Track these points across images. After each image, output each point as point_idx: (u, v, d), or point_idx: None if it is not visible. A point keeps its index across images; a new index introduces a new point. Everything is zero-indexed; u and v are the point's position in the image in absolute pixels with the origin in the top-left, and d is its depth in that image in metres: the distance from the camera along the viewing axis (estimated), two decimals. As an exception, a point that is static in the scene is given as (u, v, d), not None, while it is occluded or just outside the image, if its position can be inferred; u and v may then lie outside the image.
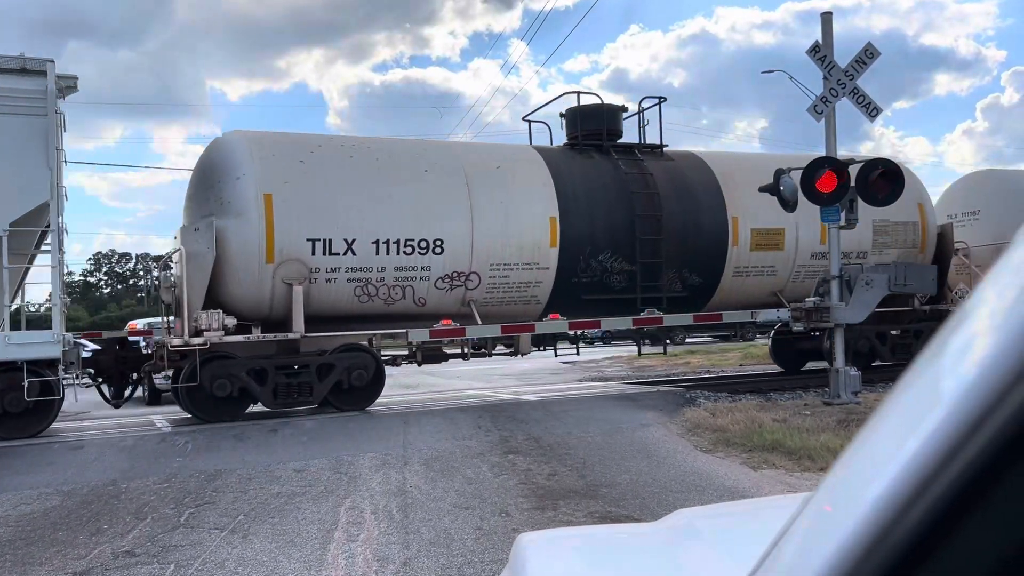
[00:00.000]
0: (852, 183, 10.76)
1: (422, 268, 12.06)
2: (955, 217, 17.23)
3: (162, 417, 13.30)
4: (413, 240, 11.97)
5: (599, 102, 14.58)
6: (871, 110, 11.41)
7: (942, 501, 0.58)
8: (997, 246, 15.74)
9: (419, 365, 13.32)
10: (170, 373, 11.84)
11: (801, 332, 15.59)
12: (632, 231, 13.34)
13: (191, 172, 12.70)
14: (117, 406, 12.47)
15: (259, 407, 11.68)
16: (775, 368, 19.66)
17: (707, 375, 18.22)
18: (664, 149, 14.58)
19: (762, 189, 11.81)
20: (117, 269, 74.40)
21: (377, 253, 11.77)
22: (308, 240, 11.43)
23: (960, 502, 0.57)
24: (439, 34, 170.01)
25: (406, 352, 13.52)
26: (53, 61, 10.88)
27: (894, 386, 0.76)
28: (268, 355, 11.62)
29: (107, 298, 69.08)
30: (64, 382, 10.67)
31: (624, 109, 14.80)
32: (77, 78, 11.40)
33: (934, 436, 0.60)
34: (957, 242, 16.25)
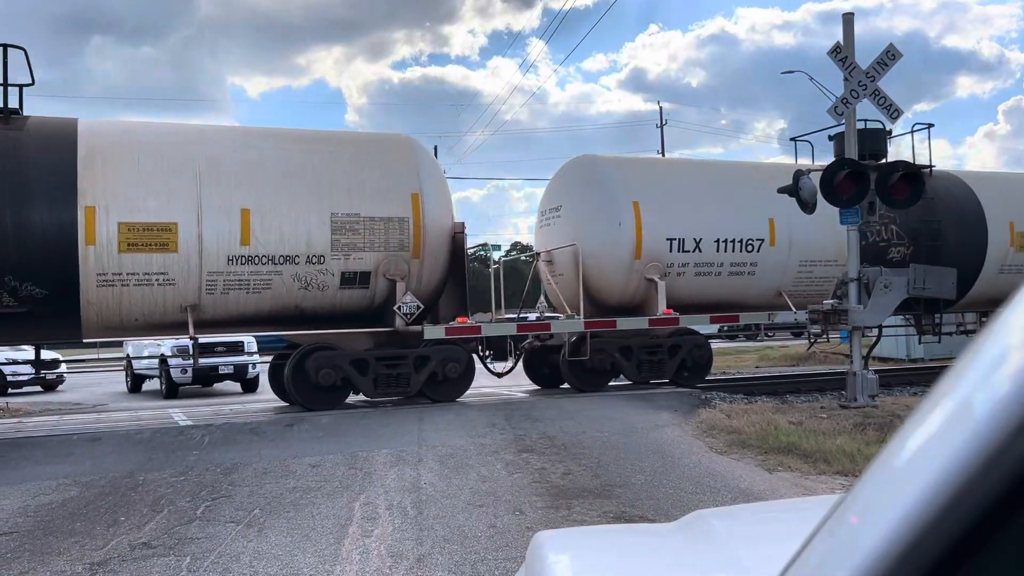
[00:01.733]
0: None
1: None
2: (545, 214, 14.83)
3: (179, 410, 13.42)
4: None
5: None
6: (892, 112, 11.30)
7: (971, 519, 0.56)
8: (574, 248, 13.52)
9: None
10: None
11: (283, 357, 12.84)
12: None
13: None
14: None
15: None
16: (792, 370, 19.62)
17: (722, 376, 18.15)
18: (17, 115, 10.62)
19: (781, 190, 11.65)
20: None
21: None
22: None
23: (990, 520, 0.56)
24: (459, 32, 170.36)
25: None
26: None
27: (923, 396, 0.75)
28: None
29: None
30: None
31: None
32: None
33: (964, 452, 0.58)
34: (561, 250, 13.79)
